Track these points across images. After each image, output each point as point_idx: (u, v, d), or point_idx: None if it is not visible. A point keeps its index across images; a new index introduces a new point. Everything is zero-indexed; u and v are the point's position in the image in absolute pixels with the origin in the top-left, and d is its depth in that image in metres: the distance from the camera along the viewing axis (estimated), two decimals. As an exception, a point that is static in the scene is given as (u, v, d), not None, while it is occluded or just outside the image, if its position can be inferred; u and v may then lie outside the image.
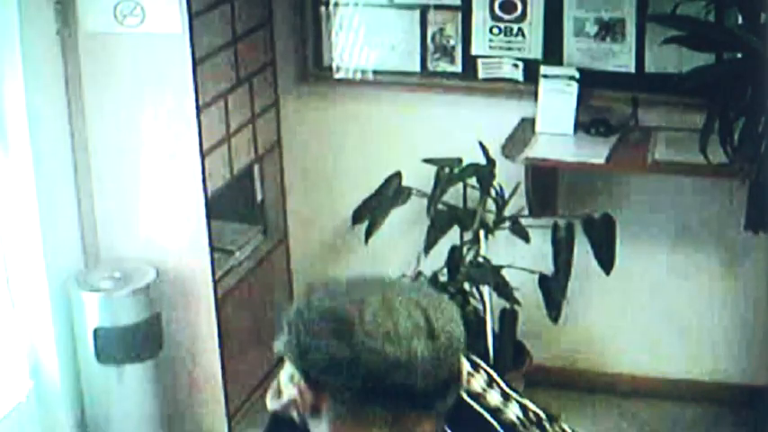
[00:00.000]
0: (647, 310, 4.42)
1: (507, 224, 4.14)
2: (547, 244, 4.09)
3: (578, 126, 4.15)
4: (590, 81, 4.14)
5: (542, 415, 2.06)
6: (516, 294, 4.18)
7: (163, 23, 3.74)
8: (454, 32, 4.27)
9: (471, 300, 4.26)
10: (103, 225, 4.00)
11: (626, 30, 4.11)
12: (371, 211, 4.23)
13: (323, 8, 4.36)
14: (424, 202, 4.11)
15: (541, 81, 4.16)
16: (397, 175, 4.24)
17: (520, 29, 4.20)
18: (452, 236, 4.18)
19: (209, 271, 4.00)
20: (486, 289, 4.22)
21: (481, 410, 2.00)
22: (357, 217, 4.28)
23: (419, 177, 4.20)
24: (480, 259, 4.18)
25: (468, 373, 1.98)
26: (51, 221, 3.78)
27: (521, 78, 4.25)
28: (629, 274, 4.29)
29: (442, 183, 4.11)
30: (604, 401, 4.43)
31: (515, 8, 4.19)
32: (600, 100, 4.20)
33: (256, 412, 4.40)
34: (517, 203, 4.18)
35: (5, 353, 3.76)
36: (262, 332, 4.51)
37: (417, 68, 4.34)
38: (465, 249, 4.17)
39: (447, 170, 4.13)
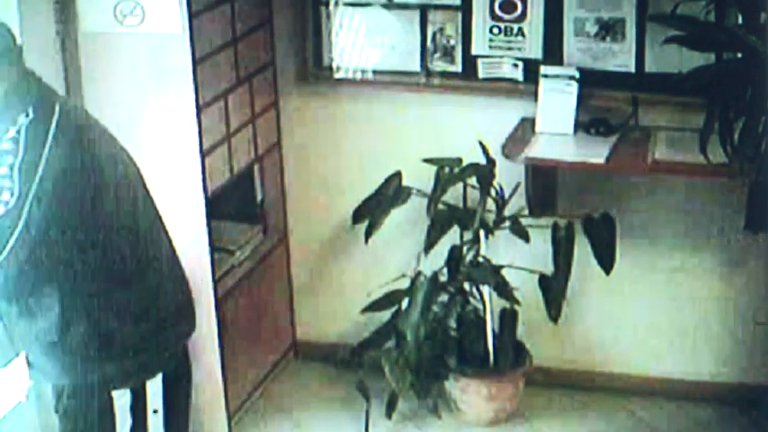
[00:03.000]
0: (648, 310, 4.42)
1: (507, 224, 4.14)
2: (547, 244, 4.09)
3: (578, 126, 4.15)
4: (590, 81, 4.14)
5: None
6: (516, 294, 4.19)
7: (163, 23, 3.73)
8: (454, 32, 4.27)
9: (471, 300, 4.26)
10: (103, 225, 3.99)
11: (626, 30, 4.11)
12: (371, 211, 4.23)
13: (323, 8, 4.36)
14: (424, 202, 4.11)
15: (541, 81, 4.16)
16: (397, 175, 4.25)
17: (520, 29, 4.21)
18: (452, 236, 4.18)
19: (209, 271, 3.99)
20: (486, 289, 4.23)
21: None
22: (357, 217, 4.28)
23: (419, 177, 4.20)
24: (480, 259, 4.18)
25: None
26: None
27: (521, 78, 4.25)
28: (629, 274, 4.29)
29: (442, 183, 4.11)
30: (604, 401, 4.43)
31: (515, 8, 4.19)
32: (600, 100, 4.20)
33: (256, 412, 4.41)
34: (517, 203, 4.18)
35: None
36: (262, 332, 4.51)
37: (417, 68, 4.34)
38: (465, 249, 4.18)
39: (447, 170, 4.13)
